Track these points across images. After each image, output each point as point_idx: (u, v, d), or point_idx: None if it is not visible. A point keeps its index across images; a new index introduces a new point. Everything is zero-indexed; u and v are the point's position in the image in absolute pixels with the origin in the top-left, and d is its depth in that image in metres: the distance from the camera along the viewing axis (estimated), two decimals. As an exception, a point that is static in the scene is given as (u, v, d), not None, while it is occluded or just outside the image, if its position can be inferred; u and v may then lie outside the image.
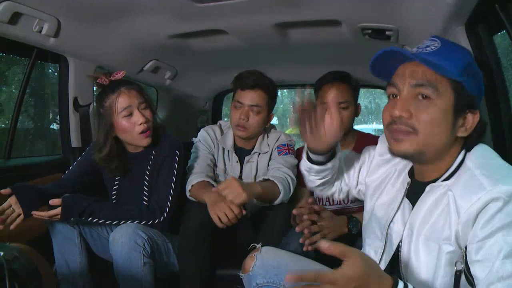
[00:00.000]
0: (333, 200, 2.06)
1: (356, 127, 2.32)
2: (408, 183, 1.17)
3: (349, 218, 1.74)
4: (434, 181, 1.07)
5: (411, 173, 1.19)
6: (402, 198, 1.16)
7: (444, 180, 1.04)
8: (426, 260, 1.01)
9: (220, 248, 1.93)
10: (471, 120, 1.02)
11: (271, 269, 1.35)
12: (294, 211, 1.58)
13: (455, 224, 0.95)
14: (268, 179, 1.89)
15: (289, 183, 1.91)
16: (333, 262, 1.64)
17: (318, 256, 1.67)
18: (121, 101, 1.76)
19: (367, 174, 1.37)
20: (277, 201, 1.84)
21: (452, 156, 1.05)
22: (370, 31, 2.13)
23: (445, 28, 1.66)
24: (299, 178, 1.99)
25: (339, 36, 2.26)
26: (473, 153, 1.04)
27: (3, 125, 4.27)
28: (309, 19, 2.07)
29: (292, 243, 1.70)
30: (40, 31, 1.88)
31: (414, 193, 1.12)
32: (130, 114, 1.78)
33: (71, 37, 2.06)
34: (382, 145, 1.34)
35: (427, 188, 1.07)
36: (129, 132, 1.79)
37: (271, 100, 2.08)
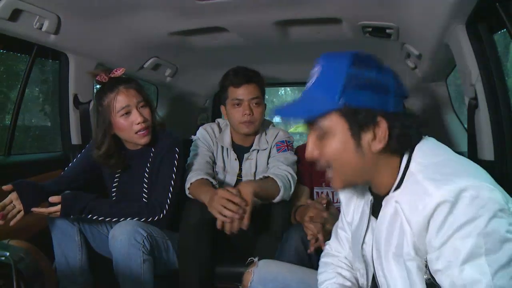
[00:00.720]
0: (333, 198, 2.07)
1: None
2: (371, 201, 1.11)
3: None
4: (388, 193, 1.01)
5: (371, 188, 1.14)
6: (369, 217, 1.11)
7: (395, 189, 0.98)
8: (400, 275, 0.96)
9: (219, 246, 1.93)
10: (380, 131, 0.94)
11: (268, 283, 1.36)
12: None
13: (410, 237, 0.90)
14: (268, 177, 1.88)
15: (289, 180, 1.91)
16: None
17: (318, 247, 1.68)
18: (120, 100, 1.76)
19: (344, 215, 1.30)
20: (278, 199, 1.84)
21: (393, 166, 0.99)
22: (370, 29, 2.13)
23: (446, 26, 1.65)
24: (299, 175, 1.99)
25: (339, 34, 2.26)
26: (416, 154, 0.97)
27: (21, 123, 4.32)
28: (309, 17, 2.07)
29: (293, 239, 1.71)
30: (41, 28, 1.88)
31: (377, 208, 1.06)
32: (128, 113, 1.77)
33: (71, 34, 2.06)
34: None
35: (383, 203, 1.02)
36: (127, 131, 1.79)
37: (263, 90, 2.10)
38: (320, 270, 1.31)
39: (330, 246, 1.38)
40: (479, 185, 0.82)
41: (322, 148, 0.99)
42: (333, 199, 2.06)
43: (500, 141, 1.57)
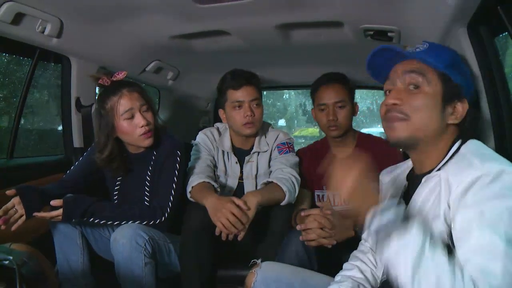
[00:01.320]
0: (334, 201, 2.06)
1: (363, 130, 2.31)
2: (405, 186, 1.21)
3: (355, 222, 1.74)
4: (430, 172, 1.09)
5: (409, 175, 1.23)
6: (399, 201, 1.17)
7: (439, 170, 1.07)
8: None
9: (221, 249, 1.93)
10: (460, 108, 1.09)
11: (271, 283, 1.38)
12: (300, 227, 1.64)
13: (444, 202, 0.98)
14: (272, 182, 1.88)
15: (293, 183, 1.91)
16: (333, 256, 1.65)
17: (319, 251, 1.68)
18: (123, 103, 1.76)
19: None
20: (283, 203, 1.85)
21: (446, 145, 1.10)
22: (372, 32, 2.13)
23: (447, 29, 1.65)
24: (300, 178, 1.99)
25: (341, 38, 2.26)
26: (468, 144, 1.07)
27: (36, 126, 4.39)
28: (311, 21, 2.07)
29: (293, 242, 1.70)
30: (43, 32, 1.89)
31: (413, 188, 1.15)
32: (132, 117, 1.78)
33: (73, 38, 2.06)
34: (383, 176, 1.37)
35: (423, 180, 1.09)
36: (130, 134, 1.80)
37: (261, 92, 2.12)
38: (348, 261, 1.39)
39: (364, 239, 1.44)
40: None
41: (409, 98, 1.09)
42: (334, 202, 2.06)
43: (501, 144, 1.57)
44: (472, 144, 1.07)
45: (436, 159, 1.10)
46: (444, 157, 1.08)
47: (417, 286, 0.86)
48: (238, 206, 1.68)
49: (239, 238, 1.69)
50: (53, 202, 1.65)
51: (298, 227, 1.64)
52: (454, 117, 1.09)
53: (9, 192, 1.64)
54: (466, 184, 0.92)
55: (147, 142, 1.82)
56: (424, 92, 1.08)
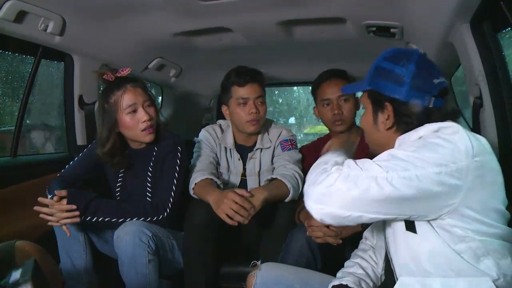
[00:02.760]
0: None
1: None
2: None
3: None
4: None
5: None
6: None
7: None
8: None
9: (225, 245, 1.94)
10: (386, 112, 1.16)
11: (271, 285, 1.39)
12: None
13: None
14: (276, 178, 1.89)
15: (297, 179, 1.91)
16: (338, 252, 1.66)
17: (323, 247, 1.68)
18: (127, 98, 1.78)
19: None
20: (288, 200, 1.85)
21: None
22: (374, 28, 2.13)
23: (450, 25, 1.65)
24: (304, 175, 1.99)
25: (343, 34, 2.26)
26: None
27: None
28: (313, 17, 2.07)
29: (297, 239, 1.71)
30: (46, 30, 1.89)
31: None
32: (135, 111, 1.79)
33: (76, 35, 2.07)
34: None
35: None
36: (132, 128, 1.81)
37: (265, 90, 2.11)
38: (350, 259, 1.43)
39: (365, 237, 1.48)
40: None
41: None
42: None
43: (505, 140, 1.57)
44: None
45: None
46: None
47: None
48: (240, 194, 1.68)
49: (244, 223, 1.68)
50: (58, 192, 1.66)
51: (305, 223, 1.65)
52: (388, 122, 1.17)
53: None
54: None
55: (148, 138, 1.83)
56: (364, 112, 1.26)
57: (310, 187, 1.05)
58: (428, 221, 1.01)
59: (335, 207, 0.98)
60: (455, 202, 0.96)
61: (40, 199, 1.68)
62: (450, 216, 0.98)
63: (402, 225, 1.06)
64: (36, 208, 1.66)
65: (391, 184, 0.94)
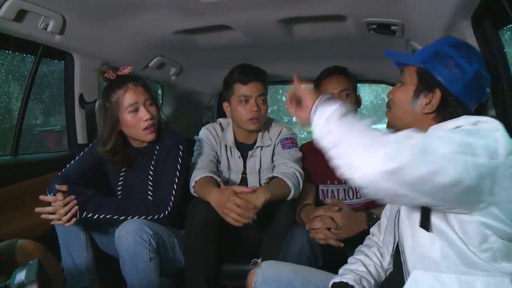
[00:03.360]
0: (338, 196, 2.06)
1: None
2: None
3: (368, 216, 1.73)
4: None
5: None
6: None
7: None
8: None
9: (225, 244, 1.94)
10: (433, 99, 1.15)
11: (272, 283, 1.38)
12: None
13: None
14: (277, 177, 1.89)
15: (297, 177, 1.91)
16: (339, 251, 1.66)
17: (324, 246, 1.68)
18: (128, 97, 1.78)
19: None
20: (289, 198, 1.85)
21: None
22: (375, 26, 2.12)
23: (451, 22, 1.65)
24: (303, 173, 1.99)
25: (344, 31, 2.26)
26: None
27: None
28: (314, 15, 2.06)
29: (298, 237, 1.71)
30: (46, 28, 1.89)
31: None
32: (136, 110, 1.79)
33: (76, 34, 2.07)
34: None
35: None
36: (134, 127, 1.81)
37: (267, 88, 2.12)
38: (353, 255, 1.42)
39: (372, 233, 1.48)
40: None
41: (393, 94, 1.26)
42: (338, 196, 2.06)
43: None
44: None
45: None
46: None
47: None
48: (240, 193, 1.70)
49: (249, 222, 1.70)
50: (59, 187, 1.67)
51: (306, 227, 1.67)
52: (428, 107, 1.16)
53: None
54: None
55: (150, 137, 1.83)
56: (401, 86, 1.24)
57: (363, 152, 0.92)
58: (448, 216, 0.99)
59: (394, 184, 0.88)
60: (491, 199, 0.93)
61: (41, 197, 1.68)
62: (480, 213, 0.95)
63: (417, 220, 1.05)
64: (38, 209, 1.65)
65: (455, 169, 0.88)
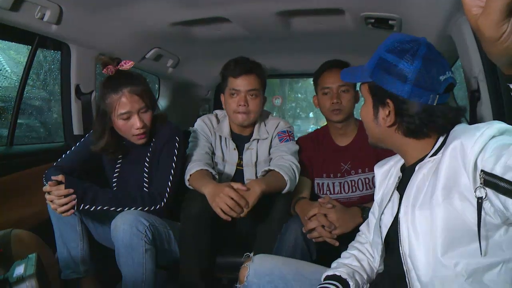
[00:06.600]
0: (333, 189, 2.07)
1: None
2: (399, 177, 1.22)
3: (362, 209, 1.76)
4: (422, 159, 1.11)
5: (402, 167, 1.24)
6: (393, 192, 1.20)
7: (432, 156, 1.08)
8: (425, 223, 1.01)
9: (220, 236, 1.95)
10: (386, 110, 1.11)
11: (264, 276, 1.38)
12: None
13: (442, 182, 0.97)
14: (273, 170, 1.89)
15: (294, 170, 1.91)
16: (332, 247, 1.67)
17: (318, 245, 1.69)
18: (122, 105, 1.74)
19: (375, 196, 1.36)
20: (284, 191, 1.85)
21: (423, 144, 1.12)
22: (373, 20, 2.12)
23: (448, 18, 1.65)
24: (301, 167, 2.00)
25: (342, 25, 2.26)
26: (455, 128, 1.07)
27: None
28: (312, 8, 2.06)
29: (292, 230, 1.72)
30: (42, 18, 1.88)
31: (406, 179, 1.15)
32: (129, 118, 1.78)
33: (73, 24, 2.05)
34: (377, 169, 1.37)
35: (417, 167, 1.11)
36: (124, 132, 1.81)
37: (264, 82, 2.10)
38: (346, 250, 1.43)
39: (361, 231, 1.47)
40: None
41: None
42: (333, 190, 2.07)
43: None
44: (460, 125, 1.08)
45: (419, 154, 1.12)
46: (434, 145, 1.10)
47: None
48: (236, 189, 1.68)
49: (242, 215, 1.68)
50: (54, 177, 1.66)
51: (303, 230, 1.69)
52: (389, 119, 1.11)
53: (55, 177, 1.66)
54: (484, 139, 0.90)
55: (140, 142, 1.84)
56: (364, 103, 1.22)
57: None
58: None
59: None
60: None
61: (44, 188, 1.67)
62: None
63: (428, 239, 1.00)
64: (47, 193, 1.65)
65: None
